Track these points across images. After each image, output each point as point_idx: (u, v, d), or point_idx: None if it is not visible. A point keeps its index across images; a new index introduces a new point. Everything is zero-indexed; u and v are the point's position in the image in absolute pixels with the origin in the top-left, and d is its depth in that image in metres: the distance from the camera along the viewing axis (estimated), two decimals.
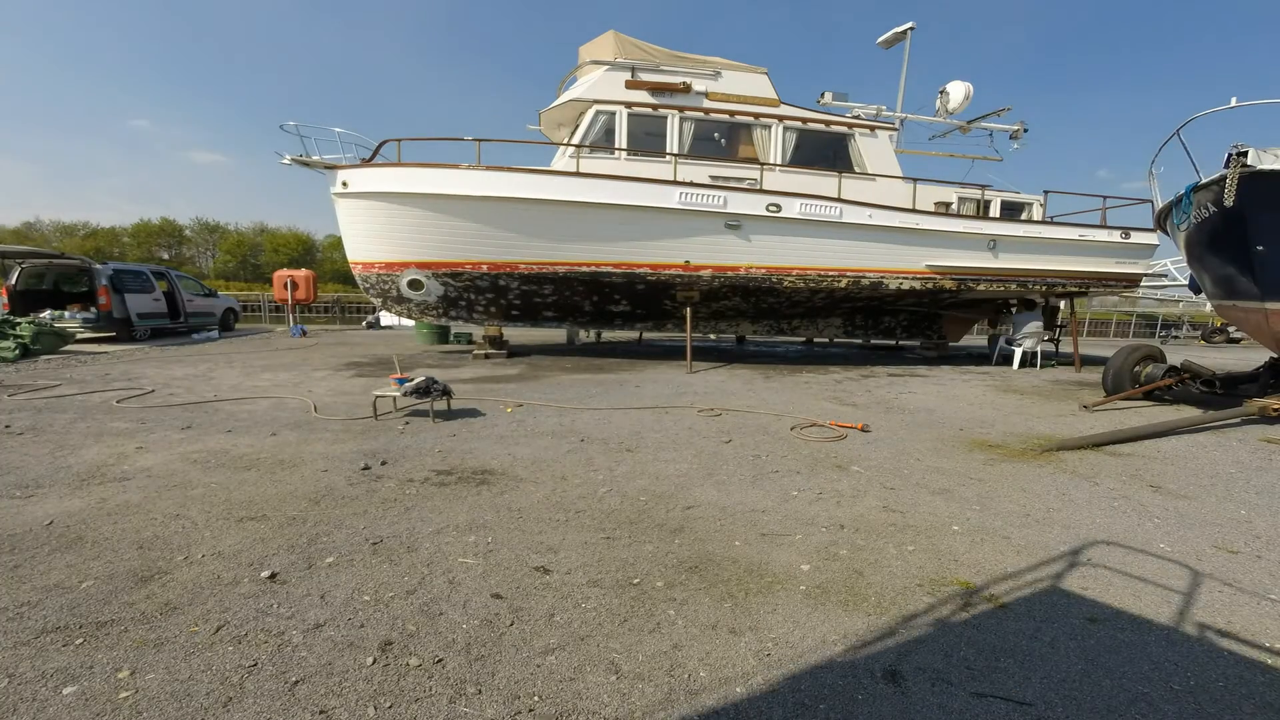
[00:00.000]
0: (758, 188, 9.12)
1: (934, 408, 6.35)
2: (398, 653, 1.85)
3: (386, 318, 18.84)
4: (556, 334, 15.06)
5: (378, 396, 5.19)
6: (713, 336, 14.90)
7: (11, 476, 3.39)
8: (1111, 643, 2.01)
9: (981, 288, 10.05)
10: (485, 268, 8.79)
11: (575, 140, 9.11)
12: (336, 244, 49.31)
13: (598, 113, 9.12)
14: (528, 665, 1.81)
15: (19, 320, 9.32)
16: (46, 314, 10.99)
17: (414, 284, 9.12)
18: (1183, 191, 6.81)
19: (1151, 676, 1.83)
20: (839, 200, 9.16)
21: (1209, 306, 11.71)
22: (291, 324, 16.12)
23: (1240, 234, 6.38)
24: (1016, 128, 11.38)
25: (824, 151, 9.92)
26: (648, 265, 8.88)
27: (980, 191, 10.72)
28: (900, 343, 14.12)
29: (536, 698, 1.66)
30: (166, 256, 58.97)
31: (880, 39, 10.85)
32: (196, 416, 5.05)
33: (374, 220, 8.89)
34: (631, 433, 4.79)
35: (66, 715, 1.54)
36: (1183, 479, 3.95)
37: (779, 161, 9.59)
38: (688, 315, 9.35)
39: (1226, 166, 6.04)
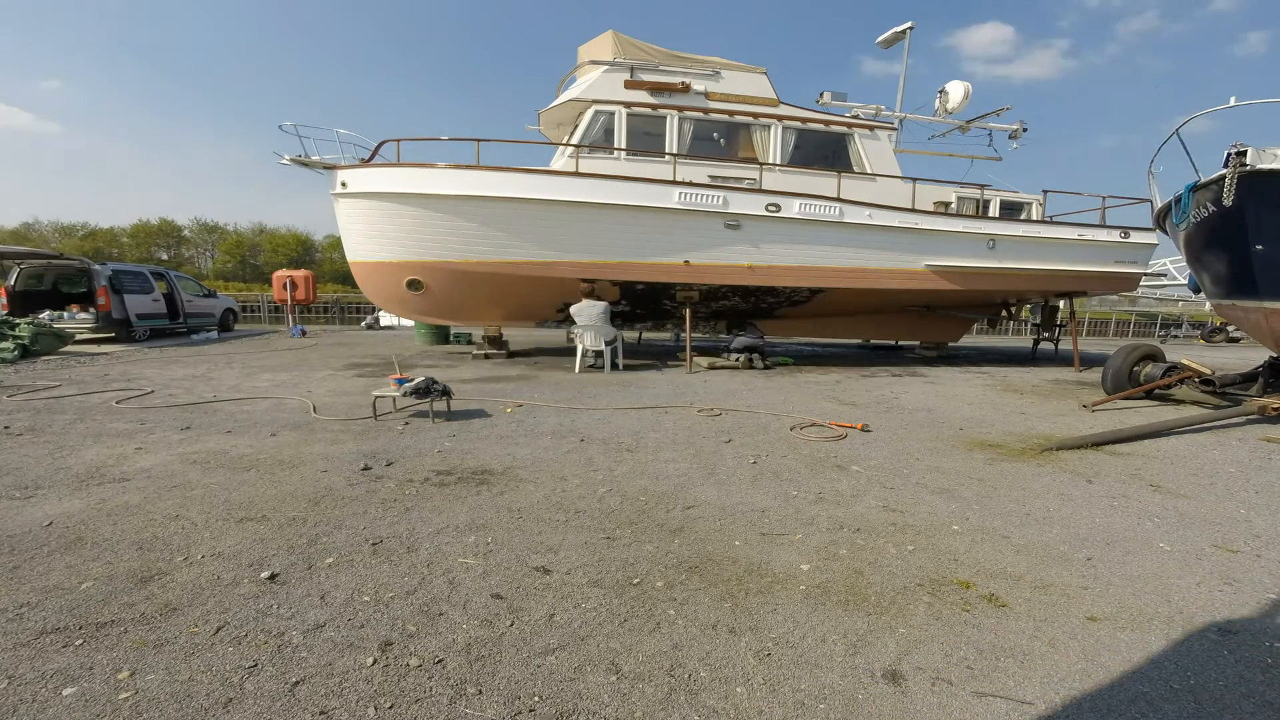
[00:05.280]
0: (757, 187, 9.13)
1: (933, 407, 6.36)
2: (398, 653, 1.85)
3: (386, 318, 18.85)
4: (556, 334, 15.07)
5: (377, 397, 5.19)
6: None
7: (11, 477, 3.39)
8: (1111, 642, 2.01)
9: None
10: (485, 268, 8.78)
11: (574, 140, 9.11)
12: (336, 244, 49.30)
13: (597, 113, 9.12)
14: (528, 665, 1.80)
15: (18, 321, 9.32)
16: (45, 315, 10.98)
17: (413, 284, 9.11)
18: (1182, 191, 6.82)
19: (1151, 676, 1.83)
20: (838, 200, 9.17)
21: (1208, 306, 11.72)
22: (291, 324, 16.11)
23: (1239, 233, 6.39)
24: (1016, 127, 11.39)
25: (823, 151, 9.92)
26: (647, 265, 8.88)
27: (979, 191, 10.73)
28: (899, 342, 14.15)
29: (537, 698, 1.66)
30: (165, 257, 58.96)
31: (879, 39, 10.86)
32: (196, 417, 5.04)
33: (373, 220, 8.89)
34: (631, 433, 4.79)
35: (66, 716, 1.54)
36: (1182, 478, 3.95)
37: (778, 161, 9.59)
38: (687, 315, 9.35)
39: (1225, 166, 6.05)
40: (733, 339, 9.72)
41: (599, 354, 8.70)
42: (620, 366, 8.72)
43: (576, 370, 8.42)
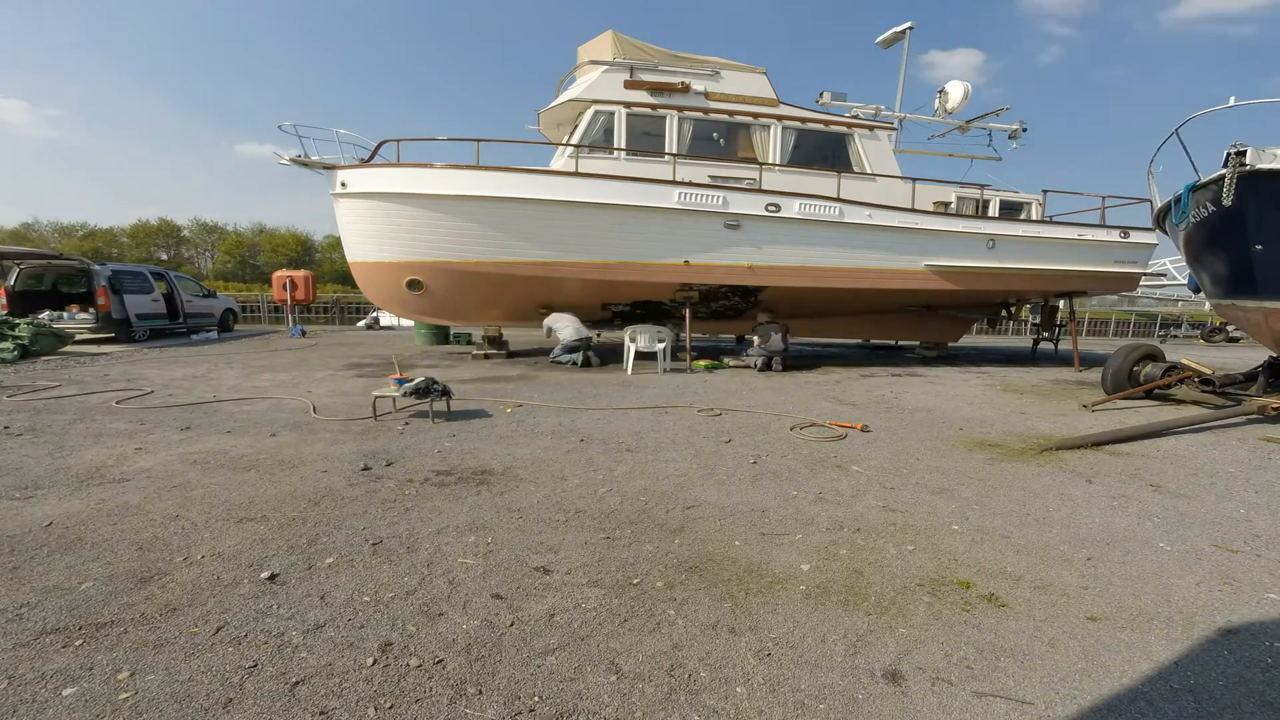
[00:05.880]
0: (757, 187, 9.13)
1: (933, 407, 6.36)
2: (398, 653, 1.85)
3: (386, 318, 18.84)
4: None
5: (377, 397, 5.19)
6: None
7: (11, 478, 3.39)
8: (1111, 642, 2.01)
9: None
10: (485, 268, 8.78)
11: (574, 140, 9.11)
12: (335, 244, 49.27)
13: (596, 113, 9.12)
14: (528, 665, 1.80)
15: (18, 321, 9.31)
16: (45, 315, 10.97)
17: (413, 284, 9.12)
18: (1181, 191, 6.82)
19: (1151, 676, 1.83)
20: (838, 200, 9.17)
21: (1208, 305, 11.73)
22: (291, 325, 16.11)
23: (1239, 233, 6.39)
24: (1015, 127, 11.39)
25: (823, 151, 9.93)
26: (647, 265, 8.88)
27: (979, 191, 10.73)
28: (899, 342, 14.15)
29: (537, 698, 1.66)
30: (165, 257, 58.91)
31: (879, 39, 10.87)
32: (196, 417, 5.04)
33: (373, 220, 8.89)
34: (631, 433, 4.79)
35: (66, 716, 1.54)
36: (1182, 478, 3.95)
37: (778, 161, 9.60)
38: (687, 315, 9.35)
39: (1225, 166, 6.05)
40: (752, 342, 9.72)
41: (651, 354, 8.92)
42: (667, 369, 8.87)
43: (629, 371, 8.53)
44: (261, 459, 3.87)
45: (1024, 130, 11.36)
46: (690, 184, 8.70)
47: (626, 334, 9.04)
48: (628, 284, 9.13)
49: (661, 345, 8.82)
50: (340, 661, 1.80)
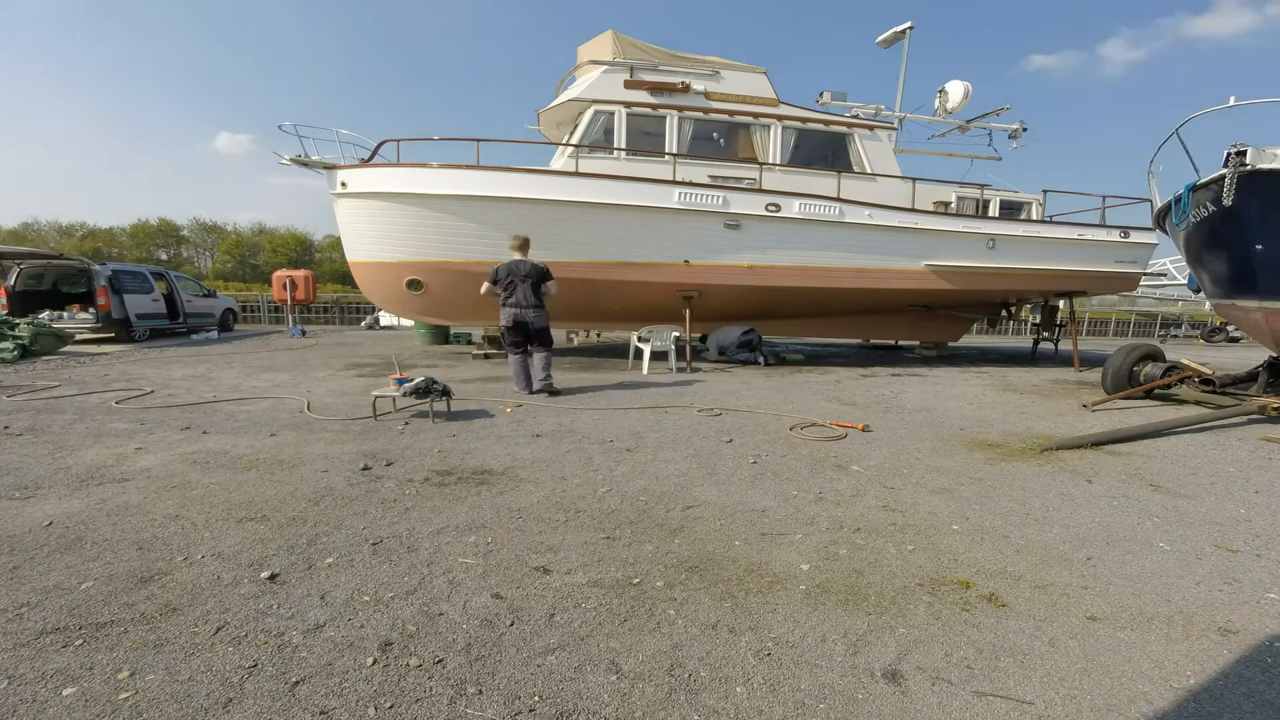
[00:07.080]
0: (757, 187, 9.13)
1: (933, 407, 6.36)
2: (398, 653, 1.85)
3: (386, 318, 18.86)
4: (556, 334, 15.05)
5: (377, 397, 5.19)
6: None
7: (10, 477, 3.39)
8: (1111, 641, 2.01)
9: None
10: (484, 268, 8.77)
11: (574, 140, 9.11)
12: (335, 244, 49.26)
13: (596, 112, 9.12)
14: (528, 665, 1.80)
15: (18, 321, 9.32)
16: (45, 315, 10.98)
17: (413, 284, 9.12)
18: (1182, 191, 6.82)
19: (1151, 676, 1.83)
20: (838, 200, 9.17)
21: (1208, 305, 11.73)
22: (291, 324, 16.12)
23: (1239, 233, 6.39)
24: (1015, 127, 11.39)
25: (823, 151, 9.93)
26: (647, 265, 8.89)
27: (979, 191, 10.74)
28: (899, 342, 14.16)
29: (537, 698, 1.66)
30: (165, 257, 58.90)
31: (879, 38, 10.87)
32: (196, 417, 5.04)
33: (373, 220, 8.89)
34: (631, 433, 4.79)
35: (66, 716, 1.54)
36: (1182, 478, 3.95)
37: (778, 161, 9.60)
38: (687, 315, 9.35)
39: (1225, 166, 6.05)
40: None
41: (665, 355, 8.89)
42: (674, 370, 8.80)
43: (644, 372, 8.52)
44: (262, 459, 3.87)
45: (1024, 130, 11.37)
46: (690, 184, 8.71)
47: (635, 334, 9.02)
48: (627, 284, 9.13)
49: (674, 346, 8.80)
50: (340, 661, 1.80)
